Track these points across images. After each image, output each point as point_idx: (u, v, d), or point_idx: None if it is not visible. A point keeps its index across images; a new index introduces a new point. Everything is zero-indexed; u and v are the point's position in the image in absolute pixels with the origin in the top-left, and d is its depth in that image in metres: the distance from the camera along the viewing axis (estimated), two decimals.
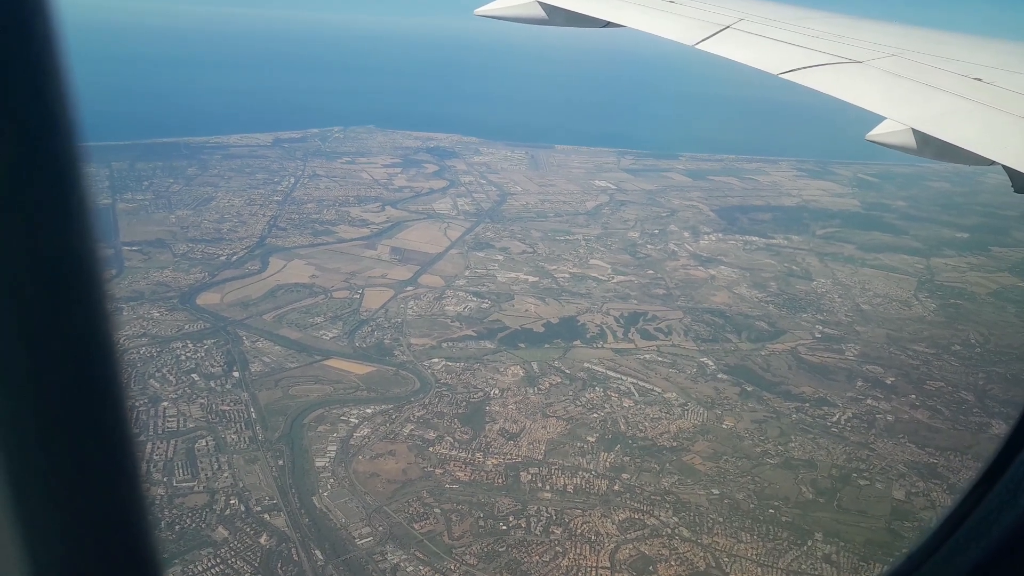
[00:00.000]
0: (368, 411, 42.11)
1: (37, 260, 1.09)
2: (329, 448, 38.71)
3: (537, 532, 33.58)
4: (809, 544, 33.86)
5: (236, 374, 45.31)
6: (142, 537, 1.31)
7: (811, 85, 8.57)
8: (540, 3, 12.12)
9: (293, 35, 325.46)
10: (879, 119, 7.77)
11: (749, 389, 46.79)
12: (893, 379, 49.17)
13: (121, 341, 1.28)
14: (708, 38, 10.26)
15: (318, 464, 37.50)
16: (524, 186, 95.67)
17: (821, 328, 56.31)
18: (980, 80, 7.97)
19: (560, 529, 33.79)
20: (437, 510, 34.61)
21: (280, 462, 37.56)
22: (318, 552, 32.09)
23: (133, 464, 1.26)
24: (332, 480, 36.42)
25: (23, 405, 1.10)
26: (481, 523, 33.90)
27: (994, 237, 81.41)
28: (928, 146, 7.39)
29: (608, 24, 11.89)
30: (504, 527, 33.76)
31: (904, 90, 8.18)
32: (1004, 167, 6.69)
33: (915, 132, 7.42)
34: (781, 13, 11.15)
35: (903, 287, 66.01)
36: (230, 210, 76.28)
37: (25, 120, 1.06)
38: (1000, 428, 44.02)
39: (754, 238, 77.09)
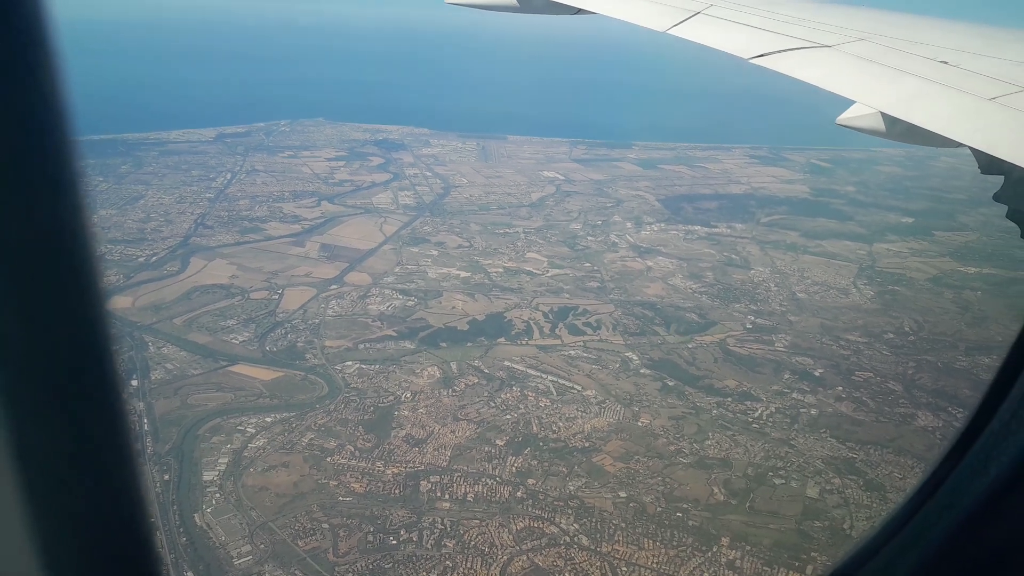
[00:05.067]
0: (268, 420, 40.14)
1: (32, 247, 1.11)
2: (220, 460, 36.74)
3: (428, 546, 31.91)
4: (714, 550, 32.51)
5: (135, 383, 43.08)
6: (141, 524, 1.33)
7: (781, 70, 8.64)
8: None
9: (253, 26, 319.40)
10: (848, 103, 7.87)
11: (671, 384, 45.41)
12: (822, 371, 48.02)
13: (114, 326, 1.28)
14: (679, 24, 10.33)
15: (206, 478, 35.53)
16: (470, 178, 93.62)
17: (753, 319, 55.08)
18: (947, 63, 8.03)
19: (453, 542, 32.14)
20: (325, 525, 32.81)
21: (166, 476, 35.52)
22: (191, 574, 30.19)
23: (129, 447, 1.28)
24: (218, 495, 34.48)
25: (22, 387, 1.12)
26: (370, 538, 32.17)
27: (939, 221, 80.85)
28: (897, 129, 7.54)
29: (580, 11, 11.94)
30: (394, 541, 32.06)
31: (873, 74, 8.25)
32: (971, 149, 6.77)
33: (884, 115, 7.56)
34: None
35: (842, 274, 65.03)
36: (158, 209, 73.57)
37: (18, 109, 1.09)
38: (926, 419, 43.10)
39: (696, 227, 75.77)
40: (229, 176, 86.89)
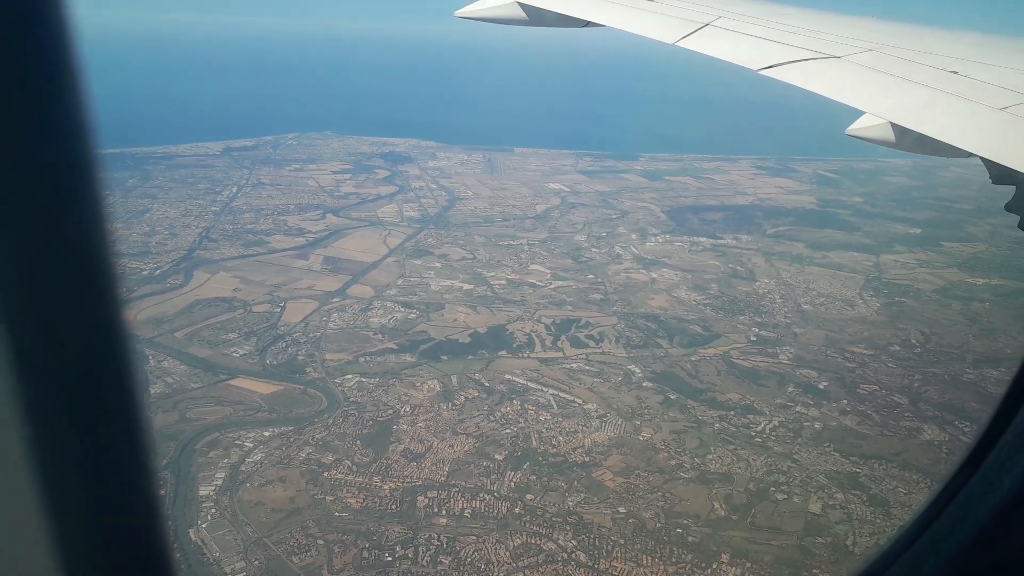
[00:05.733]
0: (266, 434, 39.97)
1: (55, 256, 1.15)
2: (217, 475, 36.57)
3: (424, 562, 31.57)
4: (714, 567, 31.98)
5: None
6: (157, 529, 1.37)
7: (790, 81, 8.67)
8: (520, 4, 12.18)
9: (262, 40, 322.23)
10: (857, 113, 7.83)
11: (673, 397, 44.96)
12: (826, 384, 47.45)
13: (133, 334, 1.32)
14: (688, 36, 10.37)
15: (202, 493, 35.36)
16: (476, 190, 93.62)
17: (757, 331, 54.57)
18: (956, 73, 8.01)
19: (449, 558, 31.79)
20: (321, 541, 32.51)
21: (162, 492, 35.23)
22: None
23: (146, 454, 1.31)
24: (214, 510, 34.27)
25: (44, 393, 1.15)
26: (365, 554, 31.84)
27: (947, 232, 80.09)
28: (907, 139, 7.50)
29: (588, 24, 12.03)
30: (389, 558, 31.73)
31: (882, 84, 8.24)
32: (982, 159, 6.70)
33: (894, 126, 7.51)
34: (759, 9, 11.34)
35: (849, 286, 64.42)
36: (163, 222, 73.89)
37: (41, 119, 1.13)
38: (932, 433, 42.47)
39: (701, 239, 75.34)
40: (235, 189, 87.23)
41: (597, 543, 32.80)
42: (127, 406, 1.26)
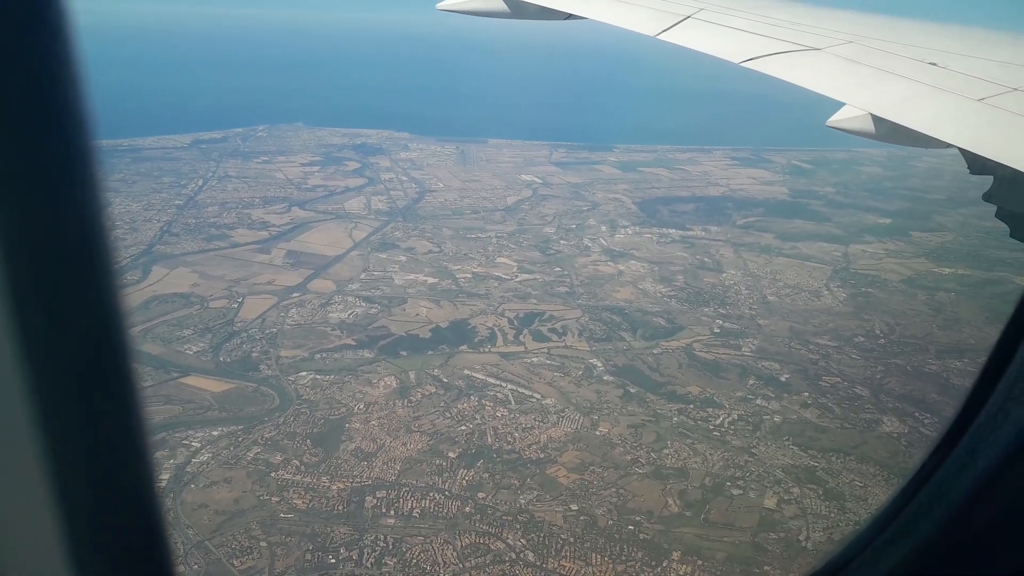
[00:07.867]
0: (214, 433, 39.02)
1: (55, 246, 1.16)
2: (161, 477, 35.55)
3: (368, 564, 30.84)
4: (664, 564, 31.46)
5: None
6: (154, 518, 1.40)
7: (770, 72, 8.74)
8: None
9: (240, 31, 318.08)
10: (836, 105, 7.95)
11: (633, 391, 44.42)
12: (788, 376, 47.09)
13: (131, 328, 1.31)
14: (669, 28, 10.41)
15: None
16: (447, 182, 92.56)
17: (721, 323, 54.12)
18: (936, 65, 8.14)
19: (395, 560, 31.08)
20: (264, 543, 31.68)
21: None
22: None
23: (144, 443, 1.32)
24: None
25: (47, 381, 1.15)
26: (309, 556, 31.06)
27: (916, 222, 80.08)
28: (886, 130, 7.58)
29: (571, 17, 12.04)
30: (333, 560, 30.97)
31: (861, 76, 8.35)
32: (960, 149, 6.83)
33: (873, 117, 7.60)
34: (741, 2, 11.43)
35: (816, 277, 64.15)
36: (123, 216, 72.14)
37: (38, 114, 1.13)
38: (891, 425, 42.22)
39: (671, 230, 74.79)
40: (200, 183, 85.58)
41: (547, 542, 32.21)
42: (126, 399, 1.24)
